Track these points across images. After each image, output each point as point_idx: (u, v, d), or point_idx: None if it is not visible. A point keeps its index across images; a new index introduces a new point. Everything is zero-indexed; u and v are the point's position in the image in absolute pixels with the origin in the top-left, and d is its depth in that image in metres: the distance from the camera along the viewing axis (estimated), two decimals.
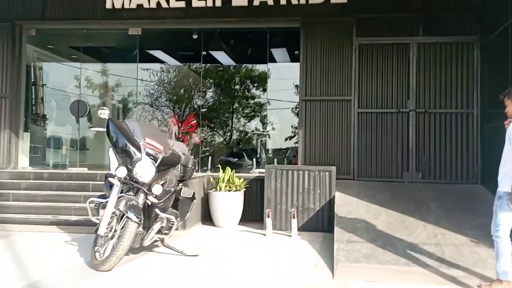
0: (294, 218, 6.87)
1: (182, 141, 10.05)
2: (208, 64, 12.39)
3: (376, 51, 8.39)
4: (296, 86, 9.71)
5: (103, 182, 5.45)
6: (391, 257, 5.10)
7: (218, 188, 7.71)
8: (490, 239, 5.44)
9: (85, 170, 9.60)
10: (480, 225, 5.92)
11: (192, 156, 6.79)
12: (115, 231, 4.84)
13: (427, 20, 8.21)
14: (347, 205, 6.78)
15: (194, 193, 6.10)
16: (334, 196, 7.20)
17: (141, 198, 5.05)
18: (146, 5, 8.99)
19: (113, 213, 4.82)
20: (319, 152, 8.43)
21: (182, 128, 11.11)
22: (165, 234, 5.48)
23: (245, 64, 12.75)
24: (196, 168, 7.12)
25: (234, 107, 12.88)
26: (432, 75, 8.27)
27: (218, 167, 8.15)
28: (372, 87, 8.28)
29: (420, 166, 8.19)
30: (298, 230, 6.97)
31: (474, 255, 5.11)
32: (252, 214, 8.06)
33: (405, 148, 8.22)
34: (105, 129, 5.38)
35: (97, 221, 4.93)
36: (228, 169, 7.90)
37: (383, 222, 6.11)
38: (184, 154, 5.89)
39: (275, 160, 11.29)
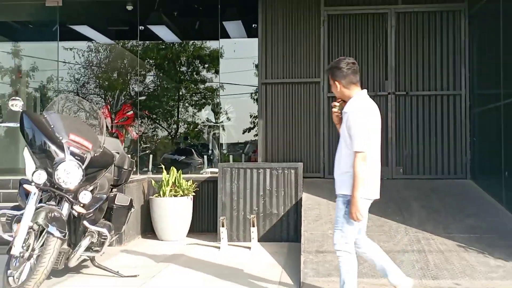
0: (253, 226, 6.94)
1: (116, 136, 9.99)
2: (147, 42, 12.27)
3: (349, 23, 8.58)
4: (256, 66, 9.77)
5: (16, 191, 5.36)
6: (367, 269, 5.25)
7: (161, 193, 7.70)
8: (481, 243, 5.72)
9: None
10: (470, 227, 6.19)
11: (129, 155, 6.76)
12: (33, 250, 4.75)
13: None
14: (316, 208, 6.91)
15: (131, 200, 6.08)
16: (301, 198, 7.31)
17: (65, 209, 4.98)
18: None
19: (30, 227, 4.73)
20: (282, 146, 8.55)
21: (116, 121, 11.03)
22: (96, 251, 5.44)
23: (192, 41, 12.72)
24: (134, 169, 7.10)
25: (180, 93, 12.85)
26: (414, 51, 8.52)
27: (161, 168, 8.13)
28: None
29: (401, 159, 8.44)
30: (258, 241, 7.06)
31: (462, 262, 5.33)
32: (204, 224, 8.10)
33: (384, 138, 8.40)
34: (18, 124, 5.28)
35: (10, 239, 4.84)
36: (174, 169, 7.89)
37: None
38: (118, 153, 5.86)
39: (231, 157, 11.38)
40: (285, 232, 7.37)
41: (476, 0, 8.09)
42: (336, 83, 4.20)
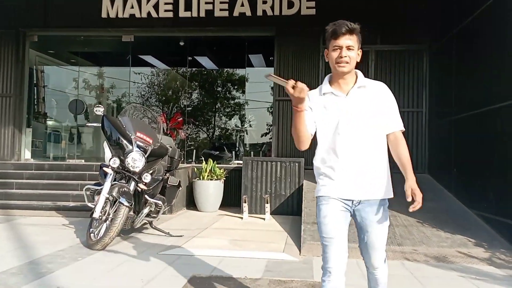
0: (267, 203, 6.93)
1: (170, 136, 10.02)
2: (194, 68, 12.36)
3: None
4: (272, 88, 9.76)
5: (98, 172, 5.41)
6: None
7: (201, 177, 7.72)
8: (434, 220, 5.62)
9: (82, 161, 9.50)
10: (427, 209, 6.04)
11: (179, 149, 6.77)
12: (109, 214, 4.82)
13: (384, 30, 8.33)
14: (313, 191, 6.85)
15: (179, 181, 6.10)
16: (302, 184, 7.27)
17: (132, 186, 5.03)
18: (138, 15, 8.93)
19: (107, 198, 4.80)
20: (290, 146, 8.51)
21: (170, 125, 11.09)
22: (153, 217, 5.48)
23: (226, 69, 12.75)
24: (182, 159, 7.13)
25: (216, 106, 12.87)
26: (388, 78, 8.41)
27: (202, 159, 8.15)
28: None
29: None
30: (271, 214, 7.04)
31: (420, 234, 5.25)
32: (231, 200, 8.09)
33: None
34: (100, 125, 5.34)
35: (93, 206, 4.90)
36: (210, 160, 7.90)
37: None
38: (171, 147, 5.88)
39: (252, 153, 11.35)
40: (290, 208, 7.33)
41: (435, 42, 7.99)
42: (359, 50, 2.36)
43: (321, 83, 2.45)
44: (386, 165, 2.40)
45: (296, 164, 7.49)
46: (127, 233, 5.40)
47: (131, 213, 4.97)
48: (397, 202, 6.70)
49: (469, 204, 6.17)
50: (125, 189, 4.88)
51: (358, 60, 2.37)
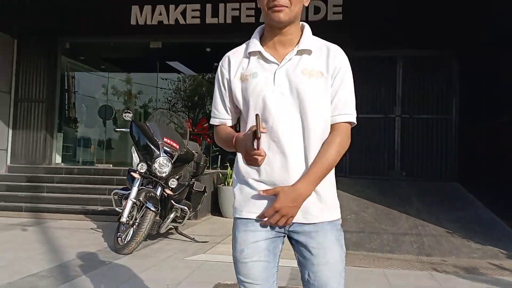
0: None
1: (196, 141, 10.11)
2: None
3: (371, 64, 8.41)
4: None
5: (126, 177, 5.49)
6: (376, 245, 5.12)
7: (226, 183, 7.74)
8: (464, 230, 5.48)
9: (110, 166, 9.69)
10: (456, 218, 5.95)
11: (204, 155, 6.80)
12: (135, 219, 4.89)
13: (413, 34, 8.11)
14: (339, 199, 6.77)
15: (205, 187, 6.11)
16: None
17: (158, 191, 5.09)
18: (165, 22, 9.08)
19: (134, 203, 4.87)
20: None
21: (195, 130, 11.18)
22: (179, 222, 5.52)
23: None
24: (207, 165, 7.16)
25: None
26: (416, 85, 8.29)
27: (227, 165, 8.17)
28: (363, 95, 8.30)
29: (404, 165, 8.22)
30: None
31: (450, 244, 5.13)
32: None
33: (392, 148, 8.26)
34: (128, 130, 5.43)
35: (120, 211, 4.98)
36: None
37: (370, 215, 6.13)
38: (197, 153, 5.92)
39: None
40: None
41: (464, 47, 7.81)
42: None
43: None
44: (332, 171, 1.62)
45: None
46: (153, 238, 5.45)
47: (158, 218, 5.02)
48: (427, 212, 6.57)
49: (501, 215, 5.98)
50: (152, 194, 4.94)
51: (306, 4, 1.60)
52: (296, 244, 1.64)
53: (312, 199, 1.57)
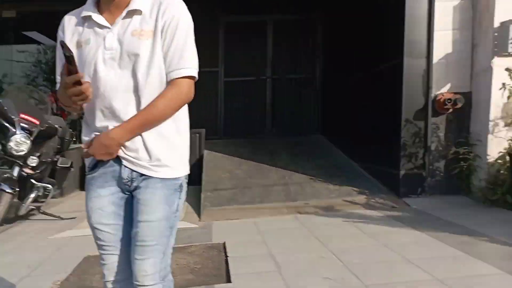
0: None
1: (60, 115, 9.42)
2: None
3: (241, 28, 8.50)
4: None
5: None
6: (248, 198, 5.41)
7: None
8: (325, 175, 6.03)
9: None
10: (318, 165, 6.50)
11: (71, 129, 6.43)
12: None
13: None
14: (214, 160, 6.97)
15: (72, 162, 5.75)
16: (203, 154, 7.28)
17: (15, 171, 4.70)
18: None
19: None
20: (191, 117, 8.47)
21: (60, 104, 10.38)
22: (42, 202, 5.18)
23: None
24: (74, 139, 6.76)
25: None
26: (285, 47, 8.69)
27: None
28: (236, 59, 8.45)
29: (274, 123, 8.69)
30: None
31: (312, 188, 5.61)
32: None
33: (263, 108, 8.66)
34: None
35: None
36: None
37: (243, 171, 6.42)
38: (61, 127, 5.57)
39: None
40: (191, 179, 7.30)
41: (330, 11, 8.25)
42: None
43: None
44: (173, 127, 1.64)
45: (197, 135, 7.47)
46: (11, 221, 5.02)
47: (16, 200, 4.66)
48: (293, 163, 7.00)
49: (354, 159, 6.70)
50: (8, 175, 4.55)
51: None
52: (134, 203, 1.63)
53: (139, 145, 1.56)
